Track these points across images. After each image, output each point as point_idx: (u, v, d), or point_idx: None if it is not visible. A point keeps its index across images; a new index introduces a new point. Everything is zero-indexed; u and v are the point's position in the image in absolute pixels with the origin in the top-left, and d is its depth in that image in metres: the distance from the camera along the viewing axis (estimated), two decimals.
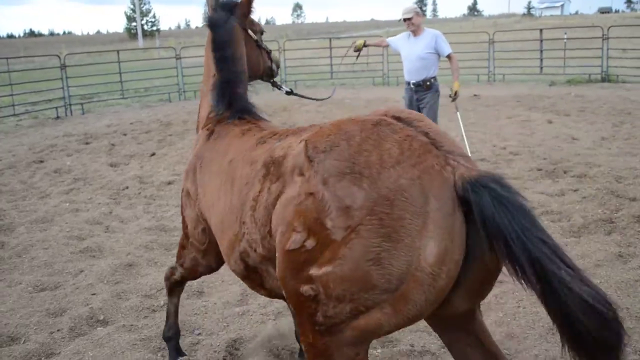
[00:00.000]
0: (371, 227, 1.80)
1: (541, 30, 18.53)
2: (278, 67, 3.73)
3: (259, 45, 3.40)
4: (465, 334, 2.25)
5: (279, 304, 4.14)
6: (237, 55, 3.17)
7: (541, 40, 18.11)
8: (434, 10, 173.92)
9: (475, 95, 14.70)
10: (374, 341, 3.56)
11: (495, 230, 1.78)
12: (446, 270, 1.83)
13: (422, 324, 3.77)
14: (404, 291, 1.81)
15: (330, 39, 22.42)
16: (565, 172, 7.11)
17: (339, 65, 7.73)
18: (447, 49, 7.09)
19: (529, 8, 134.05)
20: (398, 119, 2.10)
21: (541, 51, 18.06)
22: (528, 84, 16.77)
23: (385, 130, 1.98)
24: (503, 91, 15.23)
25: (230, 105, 3.08)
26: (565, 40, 18.37)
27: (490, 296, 4.05)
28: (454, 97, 7.35)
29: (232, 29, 3.20)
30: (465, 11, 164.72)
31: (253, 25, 3.37)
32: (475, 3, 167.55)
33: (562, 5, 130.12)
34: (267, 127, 2.88)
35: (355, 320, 1.88)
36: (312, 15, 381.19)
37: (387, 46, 7.87)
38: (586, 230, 5.21)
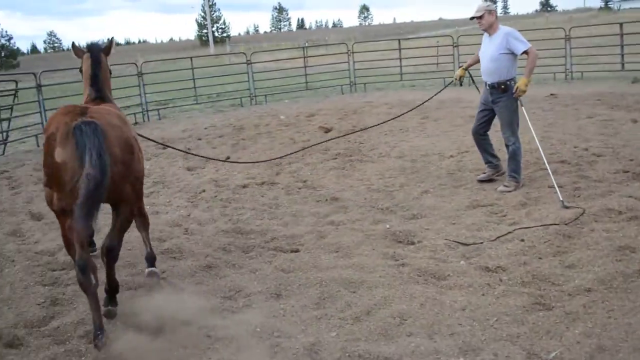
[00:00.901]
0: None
1: (621, 24, 17.65)
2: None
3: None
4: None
5: (357, 309, 4.11)
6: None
7: (621, 35, 17.26)
8: (505, 6, 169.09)
9: (552, 94, 14.17)
10: (455, 349, 3.49)
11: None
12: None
13: (505, 332, 3.66)
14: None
15: (398, 40, 22.20)
16: None
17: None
18: (520, 47, 6.64)
19: (606, 1, 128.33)
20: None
21: (622, 46, 17.21)
22: (609, 81, 16.02)
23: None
24: (582, 89, 14.62)
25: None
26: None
27: (577, 305, 3.90)
28: (516, 93, 6.80)
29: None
30: (538, 7, 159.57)
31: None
32: None
33: None
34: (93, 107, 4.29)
35: None
36: (379, 16, 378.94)
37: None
38: None
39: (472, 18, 6.98)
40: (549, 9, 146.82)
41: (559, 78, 17.34)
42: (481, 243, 5.19)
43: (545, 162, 6.65)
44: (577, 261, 4.62)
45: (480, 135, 7.26)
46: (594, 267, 4.46)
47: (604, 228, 5.19)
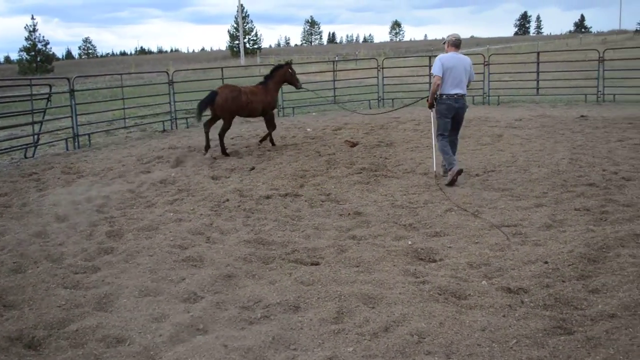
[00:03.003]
0: None
1: None
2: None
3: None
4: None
5: (376, 325, 4.08)
6: None
7: None
8: (538, 27, 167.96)
9: (582, 116, 14.00)
10: None
11: None
12: None
13: (525, 355, 3.59)
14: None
15: (429, 57, 22.18)
16: None
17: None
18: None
19: None
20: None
21: None
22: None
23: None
24: (613, 112, 14.41)
25: None
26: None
27: (600, 331, 3.82)
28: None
29: None
30: (572, 27, 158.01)
31: None
32: (582, 19, 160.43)
33: None
34: None
35: None
36: (411, 32, 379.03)
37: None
38: None
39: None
40: (583, 30, 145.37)
41: (590, 100, 17.13)
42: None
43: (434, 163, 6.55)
44: (602, 286, 4.53)
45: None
46: (619, 292, 4.36)
47: (630, 253, 5.08)
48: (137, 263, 5.50)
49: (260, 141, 12.09)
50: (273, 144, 11.84)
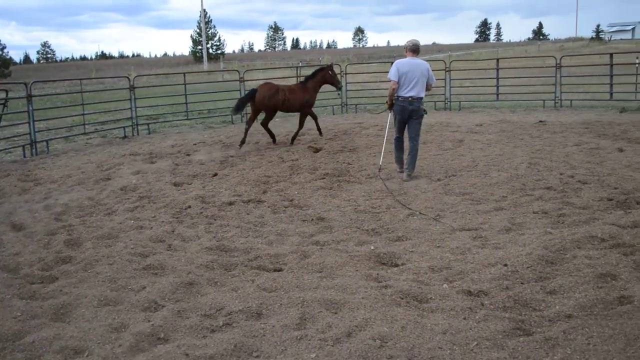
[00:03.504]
0: None
1: (611, 54, 17.94)
2: None
3: None
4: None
5: (338, 330, 4.08)
6: None
7: (611, 65, 17.52)
8: (498, 34, 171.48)
9: (541, 121, 14.32)
10: None
11: None
12: None
13: (485, 357, 3.64)
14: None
15: (391, 63, 22.39)
16: (638, 203, 6.78)
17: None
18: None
19: (597, 32, 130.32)
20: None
21: (611, 76, 17.45)
22: (597, 110, 16.22)
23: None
24: (570, 117, 14.77)
25: None
26: (637, 65, 17.70)
27: (557, 331, 3.90)
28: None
29: None
30: (530, 35, 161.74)
31: None
32: (540, 27, 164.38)
33: (634, 29, 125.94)
34: None
35: None
36: (374, 39, 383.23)
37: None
38: None
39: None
40: (541, 37, 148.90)
41: (548, 105, 17.52)
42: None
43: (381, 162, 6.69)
44: (559, 287, 4.62)
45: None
46: (575, 293, 4.46)
47: (586, 255, 5.21)
48: (96, 272, 5.39)
49: (294, 138, 12.84)
50: (292, 142, 12.70)
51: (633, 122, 13.16)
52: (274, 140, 12.74)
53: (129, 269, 5.43)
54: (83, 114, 15.23)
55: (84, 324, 4.36)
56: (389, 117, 9.22)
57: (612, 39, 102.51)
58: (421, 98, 8.67)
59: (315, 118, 13.03)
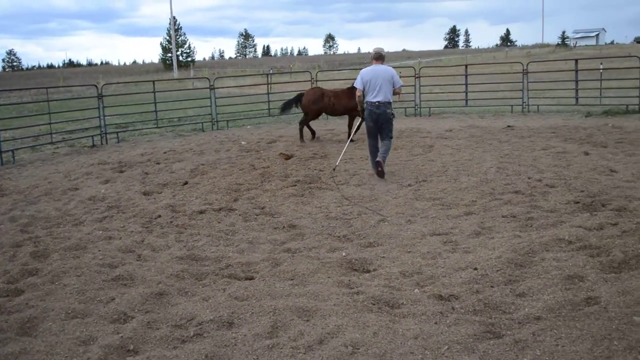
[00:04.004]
0: None
1: (576, 60, 18.33)
2: None
3: None
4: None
5: (310, 338, 4.07)
6: None
7: (576, 71, 17.89)
8: (467, 40, 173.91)
9: (509, 126, 14.53)
10: None
11: None
12: None
13: None
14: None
15: (361, 69, 22.51)
16: (603, 206, 6.92)
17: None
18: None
19: (563, 38, 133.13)
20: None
21: (577, 82, 17.81)
22: (563, 114, 16.52)
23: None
24: (538, 122, 15.02)
25: None
26: (601, 71, 18.11)
27: (527, 333, 3.94)
28: None
29: None
30: (498, 41, 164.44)
31: None
32: (508, 33, 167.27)
33: (598, 35, 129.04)
34: None
35: None
36: (345, 46, 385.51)
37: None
38: (627, 265, 5.03)
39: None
40: (509, 43, 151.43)
41: (516, 110, 17.79)
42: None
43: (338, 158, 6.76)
44: (528, 289, 4.69)
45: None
46: (544, 295, 4.53)
47: (554, 257, 5.29)
48: (63, 284, 5.29)
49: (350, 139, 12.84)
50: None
51: (598, 126, 13.44)
52: (301, 138, 13.51)
53: (98, 281, 5.34)
54: (50, 123, 14.96)
55: (51, 337, 4.27)
56: (355, 122, 9.69)
57: (577, 45, 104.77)
58: (388, 102, 9.16)
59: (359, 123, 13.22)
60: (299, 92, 13.81)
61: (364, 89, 9.31)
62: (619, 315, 4.08)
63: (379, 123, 9.22)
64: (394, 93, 9.28)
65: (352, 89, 12.59)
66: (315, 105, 13.23)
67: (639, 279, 4.69)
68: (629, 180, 8.23)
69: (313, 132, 13.84)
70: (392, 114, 9.31)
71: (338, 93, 13.43)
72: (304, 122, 13.61)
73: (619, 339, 3.78)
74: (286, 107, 13.87)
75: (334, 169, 9.87)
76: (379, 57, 9.37)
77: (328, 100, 13.16)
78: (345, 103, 13.00)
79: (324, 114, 13.86)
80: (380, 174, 9.11)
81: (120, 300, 4.88)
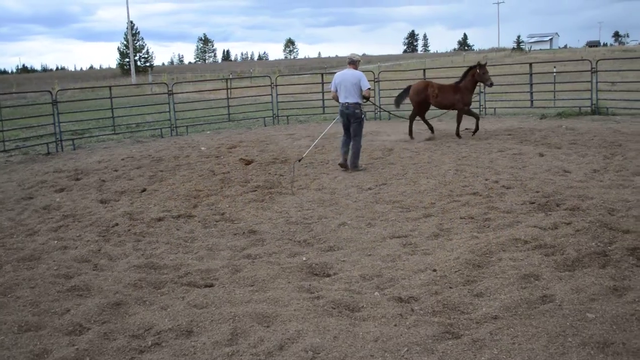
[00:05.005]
0: None
1: (531, 64, 18.73)
2: None
3: None
4: None
5: (270, 344, 4.04)
6: None
7: (531, 74, 18.28)
8: (425, 44, 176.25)
9: (467, 129, 14.75)
10: None
11: None
12: None
13: None
14: None
15: (322, 74, 22.61)
16: (558, 205, 7.09)
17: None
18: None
19: (518, 42, 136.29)
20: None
21: (531, 85, 18.21)
22: (519, 117, 16.88)
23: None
24: (495, 124, 15.30)
25: None
26: (554, 74, 18.56)
27: (484, 333, 4.00)
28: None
29: None
30: (456, 46, 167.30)
31: None
32: (465, 38, 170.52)
33: (551, 39, 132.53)
34: None
35: None
36: (305, 50, 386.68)
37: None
38: (580, 263, 5.16)
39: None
40: (466, 48, 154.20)
41: None
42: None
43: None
44: (485, 289, 4.76)
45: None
46: (501, 294, 4.61)
47: (511, 257, 5.39)
48: (16, 296, 5.14)
49: (458, 135, 13.33)
50: (458, 136, 13.28)
51: (552, 128, 13.77)
52: (410, 134, 13.73)
53: (52, 292, 5.21)
54: (2, 130, 14.54)
55: (3, 352, 4.14)
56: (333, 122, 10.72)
57: (531, 49, 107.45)
58: (356, 103, 10.05)
59: (476, 117, 13.46)
60: (409, 85, 14.00)
61: (336, 90, 10.23)
62: (573, 312, 4.18)
63: (350, 121, 10.16)
64: (363, 95, 10.09)
65: (458, 83, 13.23)
66: (417, 96, 13.38)
67: (592, 276, 4.81)
68: (582, 180, 8.45)
69: (430, 127, 13.68)
70: (362, 113, 10.20)
71: (444, 86, 13.45)
72: (412, 116, 13.72)
73: (573, 335, 3.87)
74: (399, 99, 14.02)
75: (299, 160, 10.56)
76: (350, 61, 10.29)
77: (432, 91, 13.19)
78: (450, 97, 13.10)
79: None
80: (344, 167, 10.18)
81: (76, 312, 4.77)
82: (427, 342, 3.97)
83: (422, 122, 13.88)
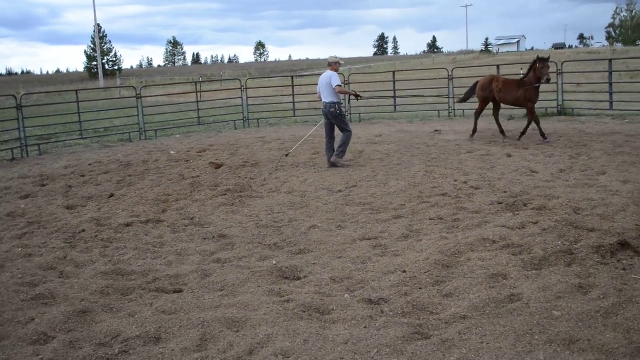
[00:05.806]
0: None
1: (498, 66, 18.99)
2: None
3: None
4: None
5: (240, 349, 4.01)
6: None
7: None
8: (395, 47, 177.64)
9: (436, 130, 14.90)
10: None
11: None
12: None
13: None
14: None
15: (292, 77, 22.60)
16: (525, 205, 7.18)
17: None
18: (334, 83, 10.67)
19: (486, 45, 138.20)
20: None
21: None
22: (487, 118, 17.05)
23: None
24: (464, 126, 15.47)
25: None
26: (521, 76, 18.82)
27: (453, 333, 4.03)
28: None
29: None
30: (426, 48, 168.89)
31: None
32: (435, 40, 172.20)
33: (518, 42, 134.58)
34: None
35: None
36: (276, 53, 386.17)
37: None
38: (547, 262, 5.23)
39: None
40: (435, 50, 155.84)
41: (443, 115, 18.27)
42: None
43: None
44: (455, 290, 4.80)
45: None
46: (470, 294, 4.65)
47: (480, 257, 5.45)
48: None
49: (520, 136, 12.71)
50: (521, 136, 12.66)
51: (519, 128, 13.93)
52: (474, 132, 13.39)
53: (16, 301, 5.08)
54: None
55: None
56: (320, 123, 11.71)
57: (499, 51, 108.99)
58: (333, 102, 10.62)
59: (536, 119, 12.38)
60: (477, 80, 13.72)
61: (319, 92, 10.92)
62: (539, 310, 4.24)
63: (330, 120, 10.81)
64: (338, 92, 10.64)
65: (523, 78, 12.52)
66: (482, 91, 13.05)
67: (558, 274, 4.89)
68: (549, 180, 8.59)
69: (502, 131, 13.03)
70: (339, 110, 10.73)
71: (508, 81, 12.85)
72: (477, 112, 13.40)
73: (540, 333, 3.92)
74: (467, 95, 13.85)
75: (287, 155, 11.46)
76: (328, 64, 10.95)
77: (496, 86, 12.63)
78: (515, 93, 12.38)
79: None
80: (333, 165, 10.69)
81: (41, 321, 4.66)
82: (397, 343, 3.98)
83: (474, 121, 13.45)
